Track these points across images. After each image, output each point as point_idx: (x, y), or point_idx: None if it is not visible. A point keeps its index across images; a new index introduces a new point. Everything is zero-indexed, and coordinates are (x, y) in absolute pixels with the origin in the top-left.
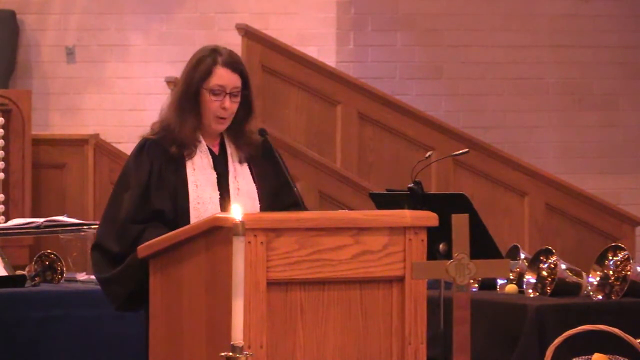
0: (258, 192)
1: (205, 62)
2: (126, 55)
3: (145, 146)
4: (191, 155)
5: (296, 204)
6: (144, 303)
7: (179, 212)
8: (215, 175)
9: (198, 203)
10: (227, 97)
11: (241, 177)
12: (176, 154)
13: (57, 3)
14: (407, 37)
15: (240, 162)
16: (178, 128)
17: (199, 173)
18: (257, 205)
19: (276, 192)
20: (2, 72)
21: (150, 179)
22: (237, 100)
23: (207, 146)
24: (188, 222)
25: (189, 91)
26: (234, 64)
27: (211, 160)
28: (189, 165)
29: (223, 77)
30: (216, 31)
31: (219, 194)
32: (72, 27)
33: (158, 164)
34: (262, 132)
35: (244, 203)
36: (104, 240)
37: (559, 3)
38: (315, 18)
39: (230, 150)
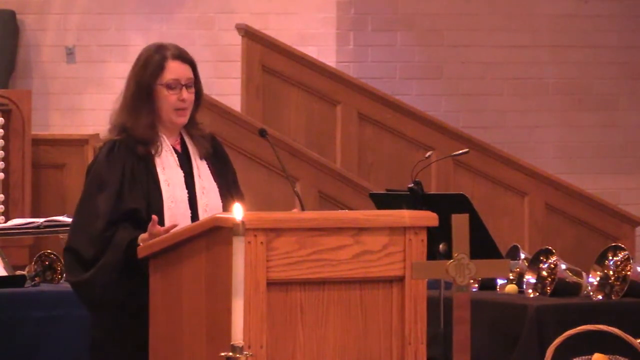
0: (221, 189)
1: (154, 59)
2: (126, 55)
3: (115, 147)
4: (159, 154)
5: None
6: (118, 303)
7: (153, 210)
8: (183, 174)
9: (172, 202)
10: (183, 88)
11: (204, 175)
12: (144, 153)
13: (57, 3)
14: (407, 37)
15: (201, 159)
16: (134, 127)
17: (169, 171)
18: (220, 204)
19: (229, 191)
20: (2, 72)
21: (124, 178)
22: (193, 91)
23: (170, 144)
24: (162, 220)
25: (141, 90)
26: (182, 55)
27: (176, 158)
28: (158, 164)
29: (176, 70)
30: (216, 31)
31: (187, 192)
32: (72, 27)
33: (130, 163)
34: (262, 132)
35: (209, 202)
36: (78, 244)
37: (559, 3)
38: (315, 18)
39: (190, 147)
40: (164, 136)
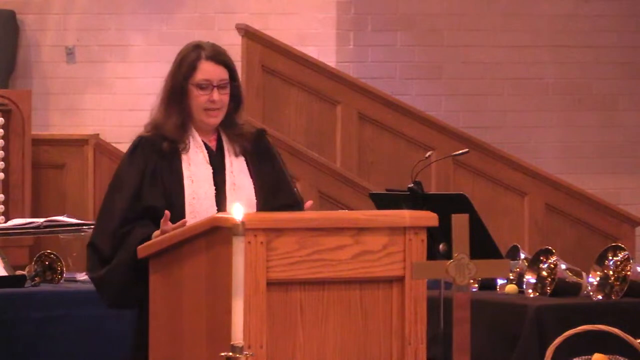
0: (257, 187)
1: (189, 58)
2: (126, 55)
3: (139, 144)
4: (186, 150)
5: (295, 204)
6: (136, 301)
7: (174, 207)
8: (211, 170)
9: (193, 198)
10: (215, 89)
11: (238, 171)
12: (169, 150)
13: (57, 3)
14: (407, 37)
15: (237, 156)
16: (164, 125)
17: (195, 168)
18: (254, 201)
19: (273, 190)
20: (2, 72)
21: (144, 176)
22: (226, 92)
23: (203, 141)
24: (183, 217)
25: (175, 89)
26: (217, 56)
27: (206, 154)
28: (185, 160)
29: (208, 70)
30: (216, 31)
31: (214, 189)
32: (72, 27)
33: (152, 160)
34: (261, 132)
35: (239, 198)
36: (97, 240)
37: (559, 3)
38: (315, 18)
39: (226, 144)
40: (195, 133)
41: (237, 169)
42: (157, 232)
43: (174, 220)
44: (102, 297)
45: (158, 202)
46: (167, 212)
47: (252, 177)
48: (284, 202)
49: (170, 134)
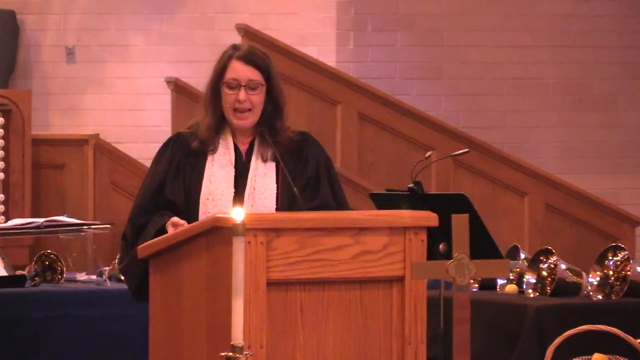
0: (281, 192)
1: (223, 58)
2: (126, 55)
3: (171, 141)
4: (214, 151)
5: (323, 206)
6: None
7: (191, 205)
8: (234, 172)
9: (207, 198)
10: (242, 89)
11: (261, 176)
12: (198, 149)
13: (57, 3)
14: (407, 37)
15: (265, 160)
16: (201, 124)
17: (217, 169)
18: (273, 206)
19: (306, 194)
20: (2, 72)
21: (169, 170)
22: (257, 93)
23: (235, 143)
24: (197, 216)
25: (211, 88)
26: (248, 56)
27: (234, 157)
28: (209, 161)
29: (237, 70)
30: (216, 31)
31: (233, 190)
32: (72, 27)
33: (179, 158)
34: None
35: (256, 203)
36: (125, 230)
37: (559, 3)
38: (315, 18)
39: (258, 148)
40: (229, 135)
41: (261, 173)
42: (170, 222)
43: (191, 217)
44: (128, 287)
45: (178, 197)
46: (175, 218)
47: (281, 183)
48: (315, 205)
49: (202, 134)
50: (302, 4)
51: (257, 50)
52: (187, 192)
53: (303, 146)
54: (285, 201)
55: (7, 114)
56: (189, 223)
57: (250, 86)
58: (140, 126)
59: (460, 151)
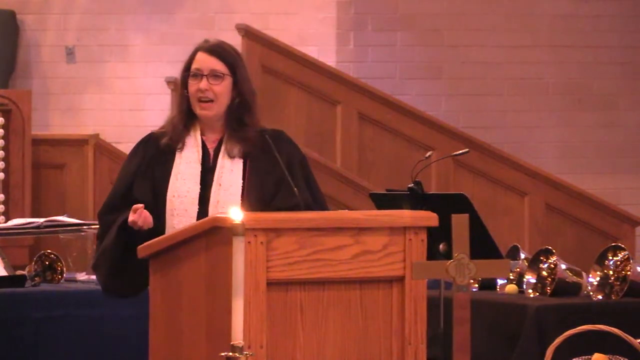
0: (247, 189)
1: (192, 51)
2: (126, 55)
3: (144, 140)
4: (182, 149)
5: (301, 205)
6: (131, 290)
7: (158, 203)
8: (200, 169)
9: (174, 196)
10: (204, 78)
11: (227, 172)
12: (167, 147)
13: (57, 3)
14: (407, 37)
15: (232, 157)
16: (170, 121)
17: (185, 166)
18: (238, 202)
19: (272, 193)
20: (2, 72)
21: (138, 171)
22: (218, 83)
23: (203, 140)
24: (164, 213)
25: (181, 82)
26: (213, 47)
27: (201, 154)
28: (178, 158)
29: (201, 60)
30: (216, 31)
31: (199, 187)
32: (72, 27)
33: (149, 156)
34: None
35: (222, 198)
36: (99, 230)
37: (559, 3)
38: (315, 18)
39: (225, 145)
40: (198, 132)
41: (227, 169)
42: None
43: (157, 216)
44: (98, 282)
45: (145, 196)
46: (137, 205)
47: (247, 179)
48: (280, 205)
49: (168, 127)
50: (302, 4)
51: (227, 45)
52: (155, 190)
53: (275, 143)
54: (252, 197)
55: (7, 114)
56: (158, 221)
57: (212, 75)
58: (140, 126)
59: (460, 151)
